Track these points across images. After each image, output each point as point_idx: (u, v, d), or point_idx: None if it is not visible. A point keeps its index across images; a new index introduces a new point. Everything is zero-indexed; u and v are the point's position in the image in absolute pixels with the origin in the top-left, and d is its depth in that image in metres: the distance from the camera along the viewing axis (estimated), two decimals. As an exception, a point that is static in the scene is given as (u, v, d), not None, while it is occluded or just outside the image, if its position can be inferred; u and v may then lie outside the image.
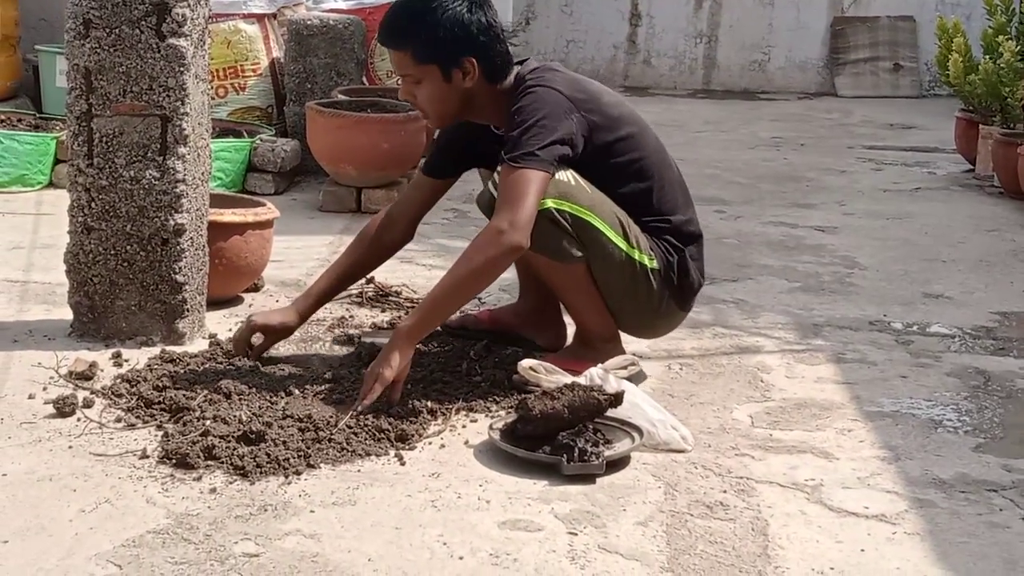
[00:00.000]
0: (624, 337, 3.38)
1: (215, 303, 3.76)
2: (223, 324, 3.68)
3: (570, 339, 3.47)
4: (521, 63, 3.25)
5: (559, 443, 2.72)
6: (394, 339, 2.97)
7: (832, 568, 2.34)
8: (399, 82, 3.21)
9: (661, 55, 11.57)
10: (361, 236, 3.45)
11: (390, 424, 2.84)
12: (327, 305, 3.91)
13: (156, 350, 3.36)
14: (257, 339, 3.32)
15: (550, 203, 3.06)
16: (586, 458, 2.69)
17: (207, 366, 3.22)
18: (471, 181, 3.65)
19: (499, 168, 3.06)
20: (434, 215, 5.45)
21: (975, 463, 2.88)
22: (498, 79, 3.17)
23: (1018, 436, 3.06)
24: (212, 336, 3.52)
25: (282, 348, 3.46)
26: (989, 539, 2.49)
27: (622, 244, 3.16)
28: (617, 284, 3.21)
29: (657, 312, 3.30)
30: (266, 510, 2.47)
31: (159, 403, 2.94)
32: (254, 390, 3.02)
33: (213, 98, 6.12)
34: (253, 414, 2.84)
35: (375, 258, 3.48)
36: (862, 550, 2.42)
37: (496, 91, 3.17)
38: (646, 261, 3.20)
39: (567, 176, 3.10)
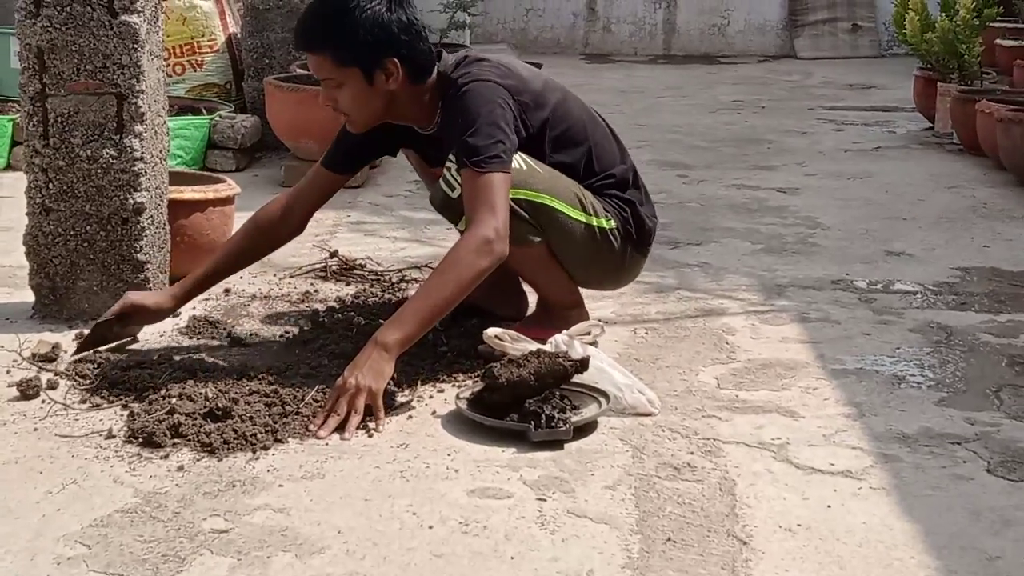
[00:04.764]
0: (589, 303, 3.39)
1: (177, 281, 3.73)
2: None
3: (532, 308, 3.47)
4: (438, 55, 3.13)
5: (526, 410, 2.73)
6: (374, 349, 2.79)
7: (799, 525, 2.36)
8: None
9: (621, 21, 11.57)
10: (257, 222, 3.31)
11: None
12: (292, 280, 3.92)
13: (120, 330, 3.34)
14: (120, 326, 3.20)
15: None
16: (553, 424, 2.70)
17: (171, 344, 3.20)
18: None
19: (450, 166, 3.01)
20: (397, 187, 5.48)
21: (938, 417, 2.91)
22: (422, 79, 3.06)
23: (980, 389, 3.09)
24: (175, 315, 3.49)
25: (247, 324, 3.45)
26: (953, 491, 2.52)
27: (580, 216, 3.15)
28: (580, 255, 3.21)
29: (622, 267, 3.33)
30: (234, 486, 2.46)
31: (124, 383, 2.93)
32: (219, 367, 3.01)
33: (170, 76, 6.09)
34: (219, 391, 2.83)
35: (268, 248, 3.34)
36: (828, 506, 2.44)
37: (419, 90, 3.07)
38: (604, 224, 3.20)
39: (518, 162, 3.05)
